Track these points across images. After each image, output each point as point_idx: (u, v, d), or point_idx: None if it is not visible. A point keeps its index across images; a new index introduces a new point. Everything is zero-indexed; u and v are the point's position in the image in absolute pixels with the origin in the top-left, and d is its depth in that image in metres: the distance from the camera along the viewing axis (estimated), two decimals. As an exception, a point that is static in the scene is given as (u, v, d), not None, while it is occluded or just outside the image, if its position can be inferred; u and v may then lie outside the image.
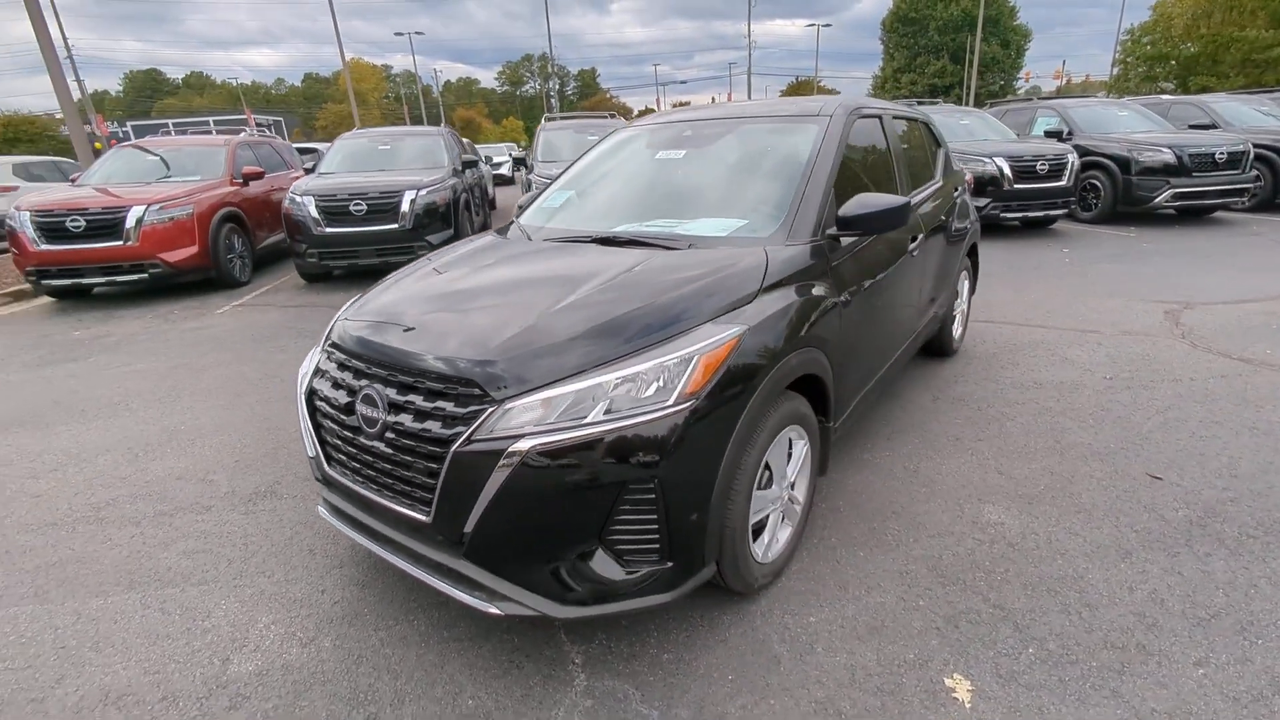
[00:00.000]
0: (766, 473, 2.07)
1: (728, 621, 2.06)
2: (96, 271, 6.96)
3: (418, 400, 1.77)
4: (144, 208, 6.93)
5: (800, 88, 63.28)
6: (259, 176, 8.51)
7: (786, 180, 2.52)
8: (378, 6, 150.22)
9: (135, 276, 7.01)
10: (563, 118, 10.61)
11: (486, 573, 1.73)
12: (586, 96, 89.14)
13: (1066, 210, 8.25)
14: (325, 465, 2.08)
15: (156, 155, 8.66)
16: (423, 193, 7.25)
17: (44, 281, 6.99)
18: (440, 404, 1.74)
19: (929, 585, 2.17)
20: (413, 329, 1.94)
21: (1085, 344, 4.38)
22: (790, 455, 2.20)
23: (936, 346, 4.09)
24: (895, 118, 3.34)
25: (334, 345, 2.11)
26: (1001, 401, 3.54)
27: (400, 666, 1.95)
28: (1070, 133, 9.25)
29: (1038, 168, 7.75)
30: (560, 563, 1.70)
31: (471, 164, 8.87)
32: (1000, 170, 7.61)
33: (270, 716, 1.79)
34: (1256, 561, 2.21)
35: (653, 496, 1.67)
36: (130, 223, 6.86)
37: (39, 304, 7.42)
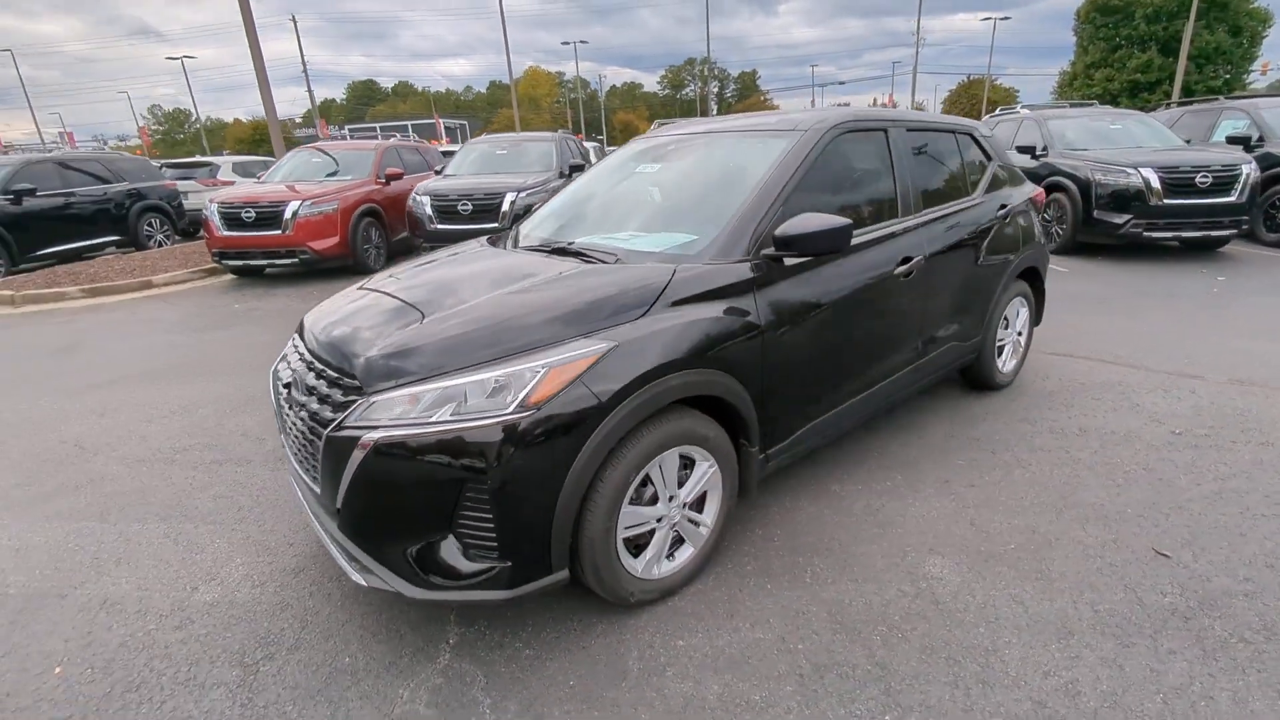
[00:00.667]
0: (648, 488, 2.08)
1: (600, 630, 2.11)
2: (260, 255, 8.28)
3: (322, 386, 2.03)
4: (299, 203, 8.13)
5: (971, 87, 57.97)
6: (399, 177, 9.57)
7: (736, 197, 2.48)
8: (559, 17, 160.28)
9: (289, 261, 8.25)
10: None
11: (357, 546, 1.94)
12: (745, 98, 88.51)
13: (1236, 230, 6.92)
14: (280, 434, 2.42)
15: (326, 157, 10.07)
16: (523, 194, 7.81)
17: (224, 261, 8.46)
18: (331, 392, 1.98)
19: (818, 630, 2.05)
20: (338, 320, 2.21)
21: (1173, 390, 3.73)
22: (689, 475, 2.19)
23: (975, 378, 3.71)
24: (913, 130, 3.10)
25: (297, 332, 2.45)
26: (1024, 446, 3.15)
27: (313, 619, 2.23)
28: (1261, 138, 7.73)
29: (1197, 180, 6.58)
30: (414, 546, 1.87)
31: (578, 168, 9.32)
32: (1146, 183, 6.57)
33: (200, 640, 2.15)
34: (1231, 671, 1.83)
35: (487, 497, 1.78)
36: (288, 215, 8.08)
37: (222, 280, 8.95)
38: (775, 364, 2.33)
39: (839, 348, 2.62)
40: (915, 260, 2.85)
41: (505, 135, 10.40)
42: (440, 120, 49.33)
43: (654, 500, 2.11)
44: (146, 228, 11.80)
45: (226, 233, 8.25)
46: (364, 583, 1.92)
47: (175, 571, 2.52)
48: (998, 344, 3.69)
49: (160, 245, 11.90)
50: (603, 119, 66.28)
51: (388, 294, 2.36)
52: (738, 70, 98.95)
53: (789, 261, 2.37)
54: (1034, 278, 3.85)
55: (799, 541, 2.51)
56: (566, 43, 53.79)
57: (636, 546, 2.14)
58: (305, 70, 47.53)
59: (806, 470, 3.00)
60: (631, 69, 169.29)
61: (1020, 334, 3.91)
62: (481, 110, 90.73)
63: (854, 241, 2.64)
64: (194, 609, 2.30)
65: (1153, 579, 2.20)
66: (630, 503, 2.04)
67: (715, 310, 2.16)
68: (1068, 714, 1.72)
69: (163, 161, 16.72)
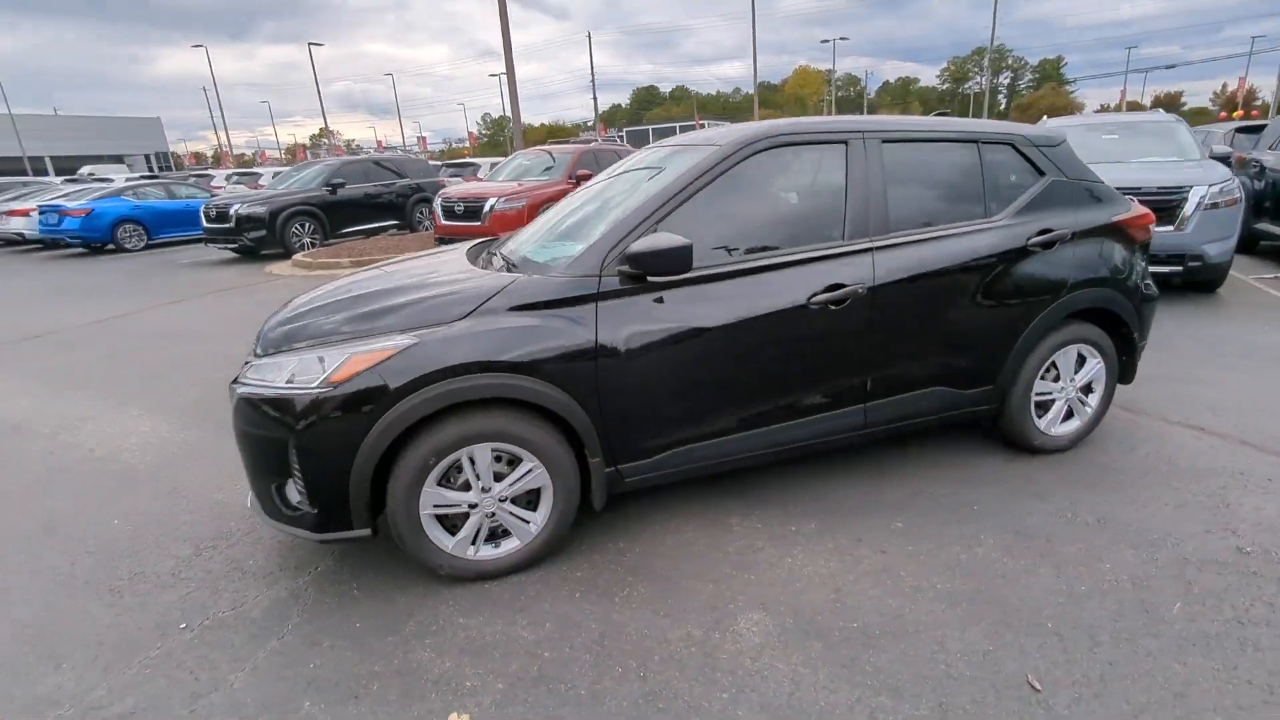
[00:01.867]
0: (459, 475, 2.28)
1: (413, 592, 2.37)
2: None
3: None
4: (495, 199, 9.45)
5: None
6: (588, 178, 10.49)
7: (622, 211, 2.50)
8: (839, 12, 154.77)
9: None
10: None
11: (248, 475, 2.48)
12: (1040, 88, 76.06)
13: (1180, 270, 5.55)
14: None
15: (547, 157, 11.36)
16: None
17: (442, 245, 10.23)
18: (249, 357, 2.54)
19: (574, 646, 2.06)
20: (287, 303, 2.78)
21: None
22: (510, 472, 2.32)
23: (1006, 435, 3.07)
24: (896, 141, 2.72)
25: None
26: (998, 525, 2.56)
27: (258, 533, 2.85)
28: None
29: None
30: (274, 483, 2.33)
31: None
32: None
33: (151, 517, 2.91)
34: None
35: (297, 451, 2.16)
36: (486, 209, 9.47)
37: (442, 262, 10.78)
38: (620, 381, 2.33)
39: (719, 374, 2.47)
40: (851, 289, 2.52)
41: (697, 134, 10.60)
42: (700, 121, 51.60)
43: (466, 487, 2.30)
44: (418, 214, 14.58)
45: (445, 221, 9.93)
46: (248, 506, 2.46)
47: (212, 471, 3.37)
48: (1039, 397, 3.00)
49: (426, 229, 14.64)
50: (864, 114, 62.66)
51: (351, 283, 2.84)
52: (1038, 58, 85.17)
53: (657, 279, 2.34)
54: (1111, 322, 3.03)
55: (645, 563, 2.46)
56: (825, 40, 51.89)
57: (455, 525, 2.35)
58: (593, 79, 53.38)
59: (718, 498, 2.85)
60: (913, 62, 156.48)
61: (1082, 390, 3.12)
62: (747, 111, 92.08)
63: (753, 265, 2.50)
64: (189, 511, 3.10)
65: (980, 708, 1.75)
66: (440, 484, 2.26)
67: (543, 320, 2.26)
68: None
69: (442, 162, 20.41)
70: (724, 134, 2.65)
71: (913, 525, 2.60)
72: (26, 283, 10.48)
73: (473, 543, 2.37)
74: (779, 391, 2.59)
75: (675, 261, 2.20)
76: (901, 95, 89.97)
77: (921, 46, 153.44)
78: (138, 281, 9.98)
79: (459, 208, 9.73)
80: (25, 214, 14.84)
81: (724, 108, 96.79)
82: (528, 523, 2.40)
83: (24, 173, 30.38)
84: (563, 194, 9.96)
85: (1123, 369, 3.19)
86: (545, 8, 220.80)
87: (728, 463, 2.61)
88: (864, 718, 1.74)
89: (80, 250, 14.10)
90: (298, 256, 10.97)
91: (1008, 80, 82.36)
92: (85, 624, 2.26)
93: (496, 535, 2.42)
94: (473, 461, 2.27)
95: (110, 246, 13.94)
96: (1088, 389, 3.14)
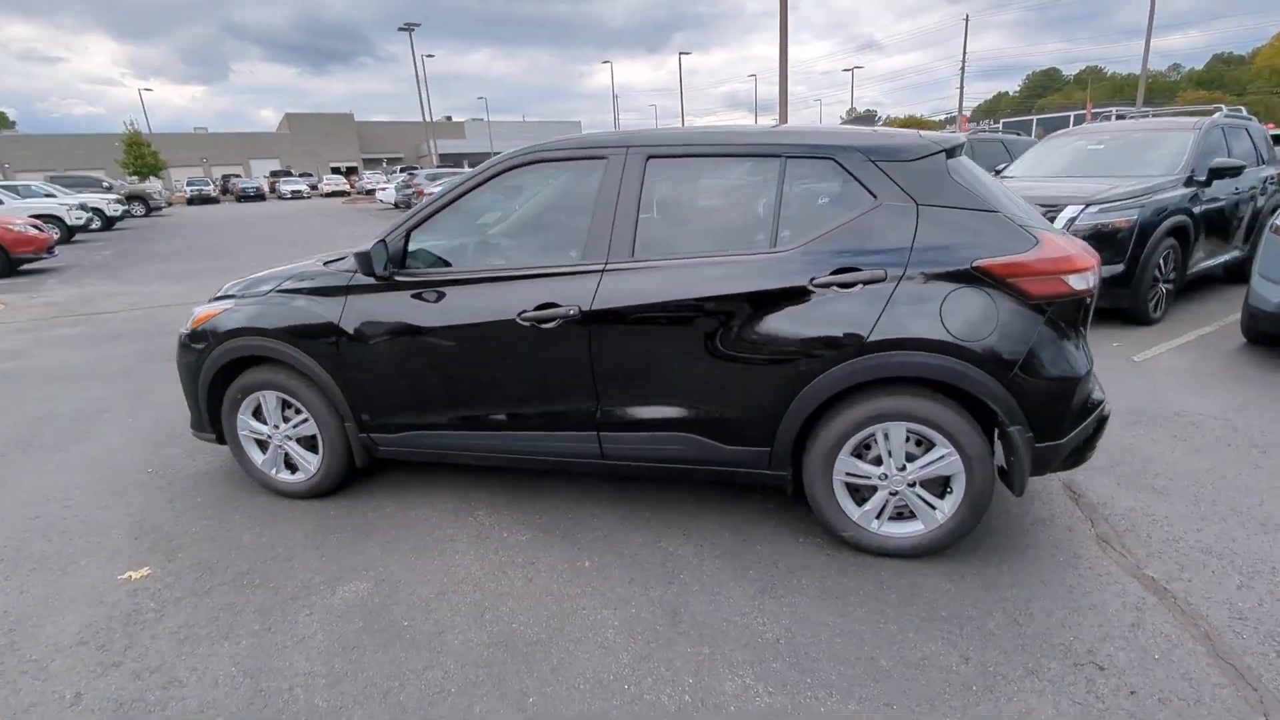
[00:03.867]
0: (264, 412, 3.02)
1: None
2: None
3: None
4: None
5: None
6: None
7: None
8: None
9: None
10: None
11: None
12: None
13: None
14: None
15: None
16: (1091, 210, 5.28)
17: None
18: None
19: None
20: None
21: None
22: (284, 415, 2.99)
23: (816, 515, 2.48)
24: (670, 156, 2.49)
25: None
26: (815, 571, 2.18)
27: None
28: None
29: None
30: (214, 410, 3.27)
31: (1234, 171, 5.92)
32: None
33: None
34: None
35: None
36: None
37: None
38: (354, 361, 2.75)
39: (437, 371, 2.67)
40: (562, 310, 2.42)
41: (1119, 124, 7.67)
42: (1093, 109, 42.05)
43: (263, 420, 3.03)
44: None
45: None
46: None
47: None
48: (850, 479, 2.37)
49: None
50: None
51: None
52: None
53: (403, 279, 2.67)
54: (971, 402, 2.21)
55: (372, 518, 2.83)
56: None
57: (291, 465, 3.06)
58: (963, 66, 48.34)
59: (505, 493, 3.00)
60: None
61: (931, 485, 2.32)
62: (1183, 92, 71.70)
63: (475, 276, 2.66)
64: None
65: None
66: (260, 420, 3.02)
67: (308, 303, 2.82)
68: None
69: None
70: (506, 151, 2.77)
71: (604, 566, 2.42)
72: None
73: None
74: (498, 400, 2.64)
75: (366, 265, 2.54)
76: None
77: None
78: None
79: None
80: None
81: (1152, 89, 76.87)
82: (307, 462, 3.00)
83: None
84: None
85: (1008, 474, 2.27)
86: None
87: (461, 457, 2.79)
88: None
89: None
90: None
91: None
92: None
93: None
94: (266, 403, 2.95)
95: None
96: (944, 486, 2.33)
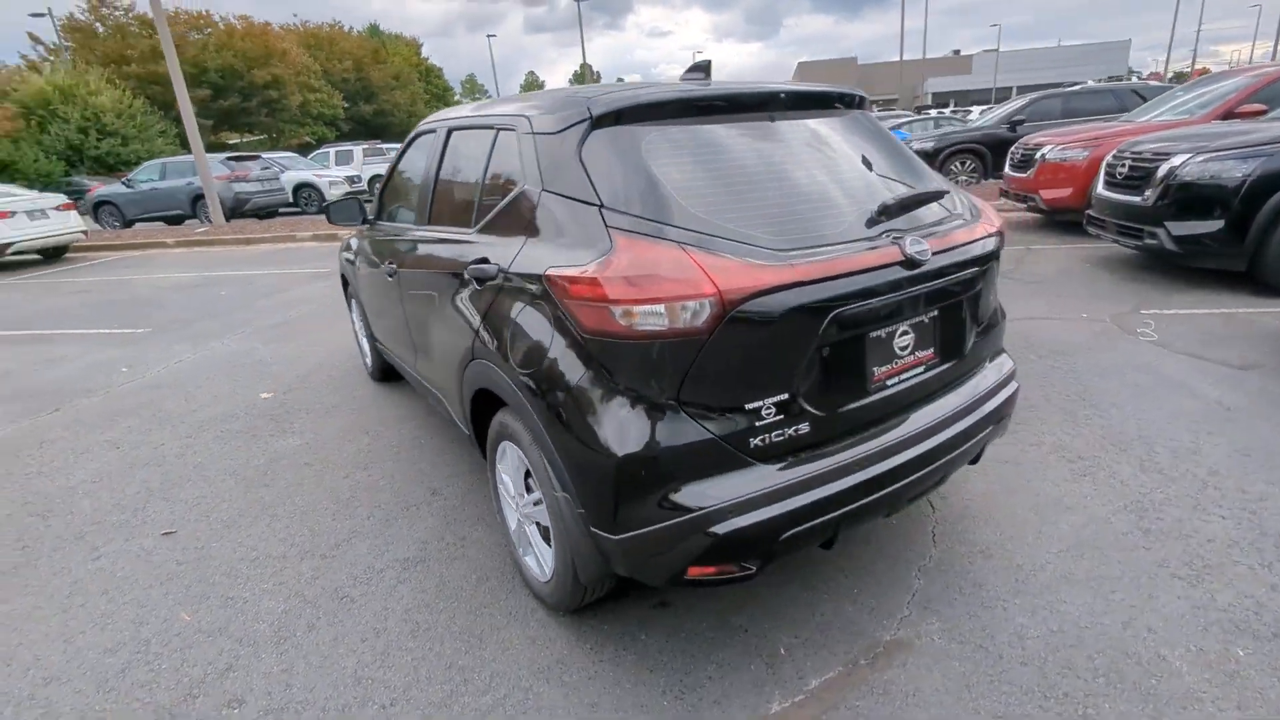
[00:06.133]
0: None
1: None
2: (1019, 198, 7.60)
3: None
4: (1051, 146, 6.95)
5: None
6: (1259, 114, 5.87)
7: None
8: None
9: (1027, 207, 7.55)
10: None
11: None
12: None
13: None
14: None
15: (1210, 86, 6.91)
16: (1197, 160, 4.65)
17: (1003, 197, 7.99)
18: None
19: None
20: None
21: None
22: None
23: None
24: (459, 129, 2.55)
25: None
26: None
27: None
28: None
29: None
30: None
31: None
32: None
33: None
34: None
35: None
36: (1037, 156, 7.06)
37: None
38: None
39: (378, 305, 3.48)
40: (390, 266, 3.02)
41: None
42: None
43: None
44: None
45: (1009, 172, 7.69)
46: None
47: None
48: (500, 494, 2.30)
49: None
50: None
51: None
52: None
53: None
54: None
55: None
56: None
57: None
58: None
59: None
60: None
61: (526, 513, 2.14)
62: None
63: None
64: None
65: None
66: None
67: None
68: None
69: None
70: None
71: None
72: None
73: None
74: (409, 340, 3.05)
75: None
76: None
77: None
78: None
79: (1018, 155, 7.47)
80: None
81: None
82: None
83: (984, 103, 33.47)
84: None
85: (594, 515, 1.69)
86: None
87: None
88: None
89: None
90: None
91: None
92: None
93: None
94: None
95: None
96: (526, 508, 2.13)
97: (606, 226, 1.61)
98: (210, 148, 17.17)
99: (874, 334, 1.74)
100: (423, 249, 2.66)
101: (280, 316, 6.22)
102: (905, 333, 1.81)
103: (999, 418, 2.08)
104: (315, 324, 5.88)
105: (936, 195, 1.98)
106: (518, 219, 1.94)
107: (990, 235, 2.01)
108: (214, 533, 2.69)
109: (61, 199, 11.25)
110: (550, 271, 1.67)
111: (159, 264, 10.26)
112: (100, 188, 16.86)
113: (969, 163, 10.88)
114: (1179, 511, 2.38)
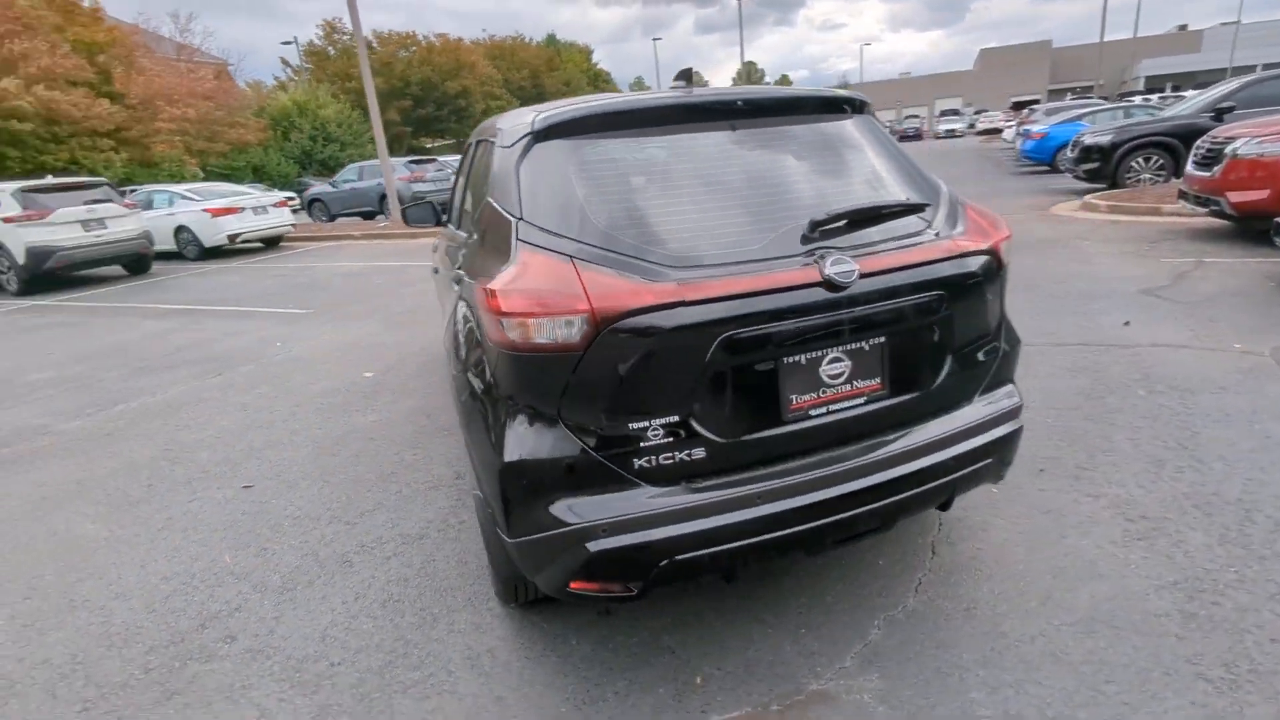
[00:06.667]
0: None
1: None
2: (1199, 201, 6.26)
3: None
4: (1245, 139, 5.84)
5: None
6: None
7: None
8: None
9: (1206, 210, 6.33)
10: None
11: None
12: None
13: None
14: None
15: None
16: (1253, 143, 5.13)
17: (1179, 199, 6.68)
18: None
19: None
20: None
21: None
22: None
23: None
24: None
25: None
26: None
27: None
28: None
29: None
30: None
31: None
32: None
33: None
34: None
35: None
36: (1227, 152, 5.94)
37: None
38: None
39: None
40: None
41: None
42: None
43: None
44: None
45: (1191, 169, 6.55)
46: None
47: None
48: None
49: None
50: None
51: None
52: None
53: None
54: None
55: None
56: None
57: None
58: None
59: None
60: None
61: None
62: None
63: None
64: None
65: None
66: None
67: None
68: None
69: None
70: None
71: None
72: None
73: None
74: None
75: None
76: None
77: None
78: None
79: (1203, 150, 6.35)
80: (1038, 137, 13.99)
81: None
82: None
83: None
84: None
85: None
86: None
87: None
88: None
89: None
90: (1088, 198, 8.97)
91: None
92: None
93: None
94: None
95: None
96: None
97: (518, 240, 1.67)
98: (410, 152, 19.30)
99: (790, 359, 1.61)
100: (447, 251, 3.01)
101: (412, 304, 6.97)
102: (837, 360, 1.65)
103: (980, 460, 1.82)
104: (433, 312, 6.50)
105: (895, 208, 1.77)
106: (483, 228, 2.06)
107: (967, 254, 1.76)
108: (278, 490, 3.15)
109: (279, 196, 13.51)
110: (478, 282, 1.76)
111: (343, 254, 11.90)
112: (315, 187, 19.88)
113: (1155, 159, 9.33)
114: (1247, 599, 1.91)
